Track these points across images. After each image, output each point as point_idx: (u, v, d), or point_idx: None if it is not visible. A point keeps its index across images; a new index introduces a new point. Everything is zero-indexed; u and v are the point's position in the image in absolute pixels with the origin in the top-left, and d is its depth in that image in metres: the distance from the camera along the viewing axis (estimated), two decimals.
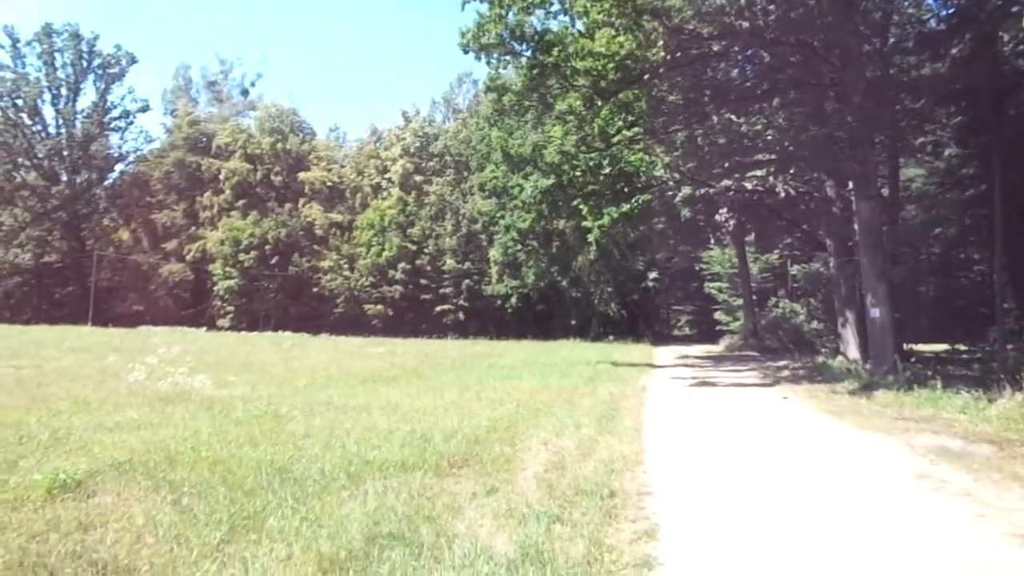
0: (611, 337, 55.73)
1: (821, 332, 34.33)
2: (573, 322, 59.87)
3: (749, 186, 27.02)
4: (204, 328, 56.18)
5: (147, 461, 7.13)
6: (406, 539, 5.06)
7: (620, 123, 25.53)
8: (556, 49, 20.95)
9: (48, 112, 69.54)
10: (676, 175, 30.26)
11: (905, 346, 25.71)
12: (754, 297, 44.46)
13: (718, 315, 52.03)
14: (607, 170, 28.33)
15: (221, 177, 72.15)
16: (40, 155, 69.27)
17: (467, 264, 64.74)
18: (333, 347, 33.57)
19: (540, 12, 20.97)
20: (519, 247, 55.56)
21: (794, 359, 27.10)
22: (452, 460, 7.70)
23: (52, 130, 69.96)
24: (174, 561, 4.56)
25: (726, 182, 27.27)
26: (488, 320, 62.54)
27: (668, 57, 20.51)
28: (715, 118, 23.25)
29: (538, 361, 25.90)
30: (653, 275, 61.18)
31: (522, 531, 5.38)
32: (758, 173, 26.27)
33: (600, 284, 58.50)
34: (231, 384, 15.10)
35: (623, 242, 47.87)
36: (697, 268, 55.94)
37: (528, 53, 21.53)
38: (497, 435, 9.39)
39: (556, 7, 21.04)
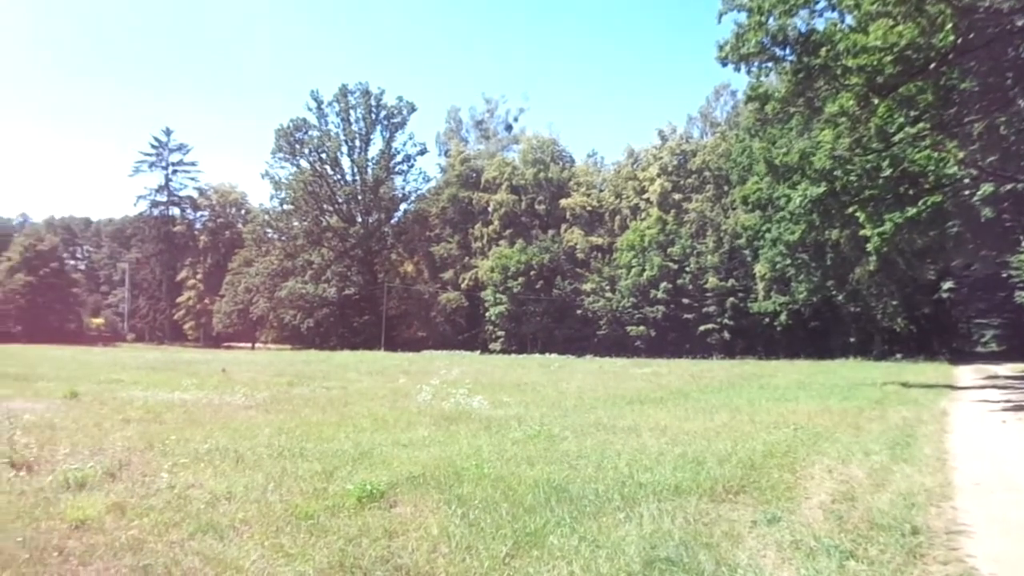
0: (898, 355, 50.94)
1: None
2: (852, 339, 55.61)
3: None
4: (478, 351, 60.23)
5: (437, 476, 7.72)
6: (685, 565, 4.93)
7: (901, 120, 23.16)
8: (824, 49, 19.59)
9: (345, 162, 79.47)
10: (973, 171, 26.74)
11: None
12: None
13: None
14: (887, 172, 25.79)
15: (490, 209, 77.63)
16: (340, 200, 79.18)
17: (731, 281, 62.65)
18: (598, 368, 34.11)
19: (804, 12, 19.78)
20: (788, 261, 52.41)
21: None
22: (727, 485, 7.40)
23: (349, 178, 79.68)
24: (466, 571, 4.86)
25: None
26: (755, 339, 59.94)
27: (959, 41, 18.28)
28: (1021, 103, 20.23)
29: (815, 382, 24.26)
30: (948, 285, 54.47)
31: (811, 565, 5.01)
32: None
33: (883, 297, 53.35)
34: (505, 405, 15.92)
35: (909, 250, 43.13)
36: (1004, 275, 48.71)
37: (792, 57, 20.38)
38: (775, 460, 8.87)
39: (822, 4, 19.72)
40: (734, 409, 15.19)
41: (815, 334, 57.64)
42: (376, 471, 7.91)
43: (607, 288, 67.88)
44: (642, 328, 64.13)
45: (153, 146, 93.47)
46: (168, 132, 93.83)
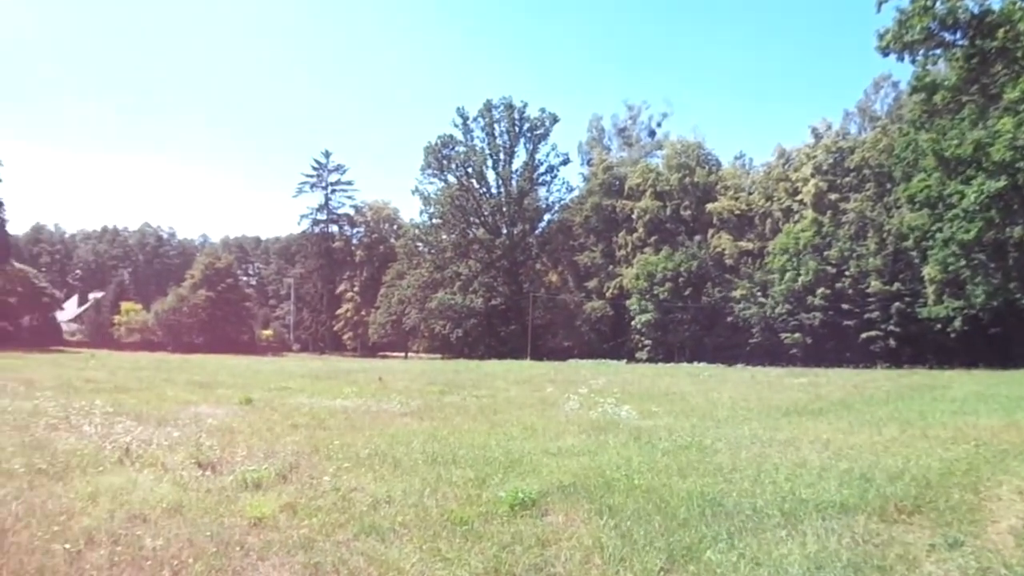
0: None
1: None
2: None
3: None
4: (624, 360, 59.56)
5: (588, 485, 7.71)
6: None
7: None
8: (1002, 30, 17.96)
9: (490, 175, 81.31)
10: None
11: None
12: None
13: None
14: None
15: (634, 216, 76.84)
16: (486, 213, 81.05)
17: (896, 285, 58.47)
18: (750, 378, 32.84)
19: None
20: (962, 262, 48.17)
21: None
22: (900, 505, 6.91)
23: (494, 190, 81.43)
24: None
25: None
26: (925, 347, 55.58)
27: None
28: None
29: (998, 394, 22.13)
30: None
31: None
32: None
33: None
34: (654, 415, 15.65)
35: None
36: None
37: (963, 42, 18.87)
38: (955, 479, 8.17)
39: None
40: (904, 422, 14.15)
41: (996, 341, 52.65)
42: (527, 479, 7.99)
43: (759, 294, 65.25)
44: (797, 336, 61.12)
45: (314, 168, 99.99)
46: (327, 154, 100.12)
